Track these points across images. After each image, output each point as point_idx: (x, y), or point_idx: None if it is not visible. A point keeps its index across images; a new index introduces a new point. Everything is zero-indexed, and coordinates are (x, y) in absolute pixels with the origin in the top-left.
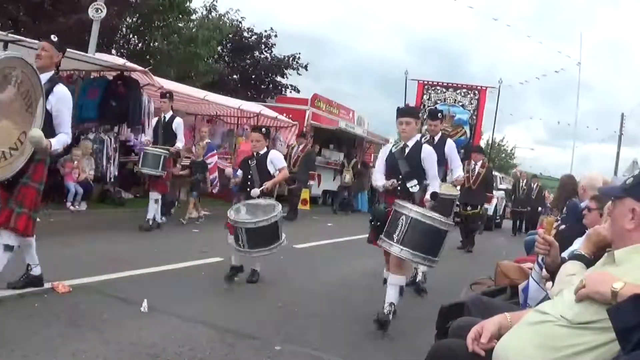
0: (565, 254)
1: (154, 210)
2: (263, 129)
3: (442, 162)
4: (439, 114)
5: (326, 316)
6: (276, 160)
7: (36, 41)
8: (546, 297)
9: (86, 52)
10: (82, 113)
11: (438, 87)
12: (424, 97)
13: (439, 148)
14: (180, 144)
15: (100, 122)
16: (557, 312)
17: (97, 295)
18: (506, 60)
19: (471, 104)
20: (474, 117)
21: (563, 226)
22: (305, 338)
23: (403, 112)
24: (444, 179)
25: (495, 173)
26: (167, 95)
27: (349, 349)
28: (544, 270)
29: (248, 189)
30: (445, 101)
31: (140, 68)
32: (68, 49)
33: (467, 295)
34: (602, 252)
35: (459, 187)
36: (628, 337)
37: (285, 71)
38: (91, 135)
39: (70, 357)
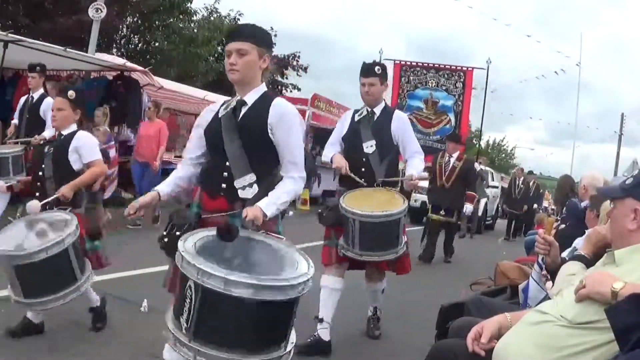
0: (565, 254)
1: None
2: (70, 92)
3: (390, 147)
4: (377, 68)
5: None
6: (85, 149)
7: (36, 41)
8: (546, 297)
9: (86, 52)
10: None
11: (417, 69)
12: (402, 80)
13: (382, 125)
14: (48, 132)
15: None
16: (557, 312)
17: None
18: (506, 60)
19: (456, 87)
20: (460, 103)
21: (563, 226)
22: (305, 338)
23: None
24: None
25: (486, 168)
26: (38, 68)
27: (348, 349)
28: (544, 270)
29: (37, 193)
30: (426, 84)
31: (140, 68)
32: (68, 49)
33: (467, 295)
34: (602, 252)
35: (427, 185)
36: (627, 336)
37: (285, 71)
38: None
39: (70, 357)
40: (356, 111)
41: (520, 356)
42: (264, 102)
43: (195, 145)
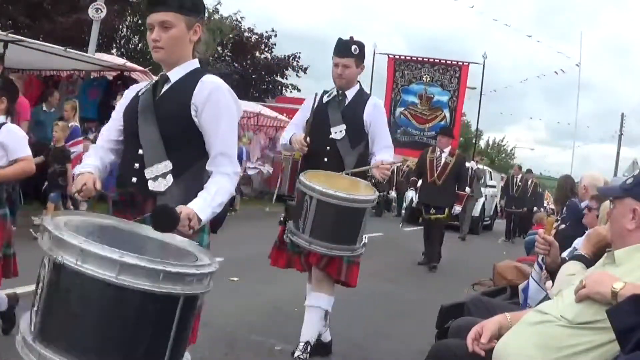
0: (565, 254)
1: None
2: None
3: (361, 136)
4: (354, 47)
5: None
6: (11, 144)
7: (36, 41)
8: (546, 297)
9: (86, 52)
10: (82, 113)
11: (412, 63)
12: (396, 74)
13: (355, 110)
14: None
15: (100, 122)
16: (557, 312)
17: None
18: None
19: (451, 83)
20: (455, 99)
21: (563, 226)
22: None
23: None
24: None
25: (484, 167)
26: None
27: (348, 349)
28: (544, 270)
29: None
30: (421, 79)
31: (140, 68)
32: (68, 49)
33: (468, 295)
34: (602, 252)
35: (420, 182)
36: (627, 337)
37: (286, 72)
38: (91, 135)
39: None
40: (325, 92)
41: (520, 356)
42: (190, 79)
43: (111, 127)
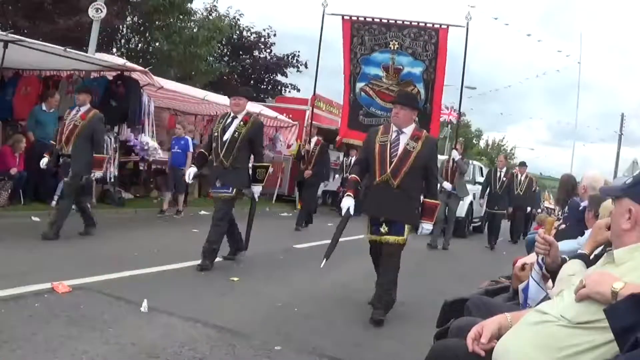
0: (561, 246)
1: None
2: None
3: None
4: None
5: (326, 316)
6: None
7: (36, 41)
8: (546, 297)
9: (86, 52)
10: None
11: (374, 26)
12: (354, 40)
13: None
14: None
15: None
16: (557, 312)
17: (97, 295)
18: (506, 60)
19: (426, 50)
20: (431, 71)
21: (563, 226)
22: (305, 338)
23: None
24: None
25: (474, 162)
26: None
27: (348, 349)
28: (543, 270)
29: None
30: (387, 47)
31: (140, 68)
32: (68, 49)
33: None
34: (603, 252)
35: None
36: (626, 337)
37: (285, 70)
38: None
39: (70, 357)
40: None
41: (520, 356)
42: None
43: None
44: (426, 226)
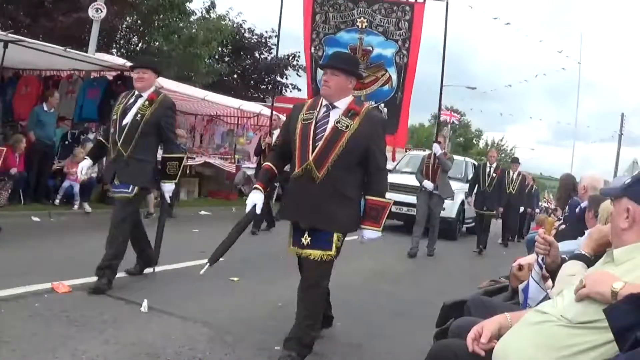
0: (561, 246)
1: None
2: None
3: None
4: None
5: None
6: None
7: (36, 41)
8: (546, 297)
9: (86, 52)
10: (83, 113)
11: (340, 1)
12: (317, 18)
13: None
14: None
15: (100, 122)
16: (557, 312)
17: (97, 295)
18: (506, 60)
19: (399, 29)
20: (404, 53)
21: (563, 226)
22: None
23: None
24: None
25: (466, 159)
26: None
27: (348, 349)
28: (543, 270)
29: None
30: (354, 25)
31: None
32: (68, 49)
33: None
34: (603, 251)
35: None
36: (625, 336)
37: (286, 71)
38: (91, 135)
39: (70, 357)
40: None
41: (520, 356)
42: None
43: None
44: (369, 234)
